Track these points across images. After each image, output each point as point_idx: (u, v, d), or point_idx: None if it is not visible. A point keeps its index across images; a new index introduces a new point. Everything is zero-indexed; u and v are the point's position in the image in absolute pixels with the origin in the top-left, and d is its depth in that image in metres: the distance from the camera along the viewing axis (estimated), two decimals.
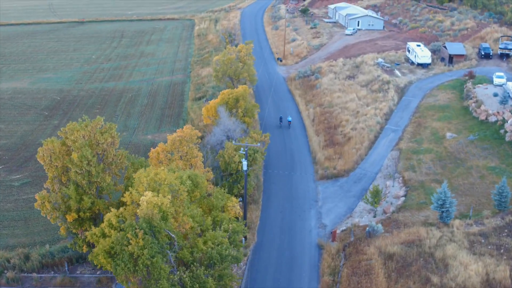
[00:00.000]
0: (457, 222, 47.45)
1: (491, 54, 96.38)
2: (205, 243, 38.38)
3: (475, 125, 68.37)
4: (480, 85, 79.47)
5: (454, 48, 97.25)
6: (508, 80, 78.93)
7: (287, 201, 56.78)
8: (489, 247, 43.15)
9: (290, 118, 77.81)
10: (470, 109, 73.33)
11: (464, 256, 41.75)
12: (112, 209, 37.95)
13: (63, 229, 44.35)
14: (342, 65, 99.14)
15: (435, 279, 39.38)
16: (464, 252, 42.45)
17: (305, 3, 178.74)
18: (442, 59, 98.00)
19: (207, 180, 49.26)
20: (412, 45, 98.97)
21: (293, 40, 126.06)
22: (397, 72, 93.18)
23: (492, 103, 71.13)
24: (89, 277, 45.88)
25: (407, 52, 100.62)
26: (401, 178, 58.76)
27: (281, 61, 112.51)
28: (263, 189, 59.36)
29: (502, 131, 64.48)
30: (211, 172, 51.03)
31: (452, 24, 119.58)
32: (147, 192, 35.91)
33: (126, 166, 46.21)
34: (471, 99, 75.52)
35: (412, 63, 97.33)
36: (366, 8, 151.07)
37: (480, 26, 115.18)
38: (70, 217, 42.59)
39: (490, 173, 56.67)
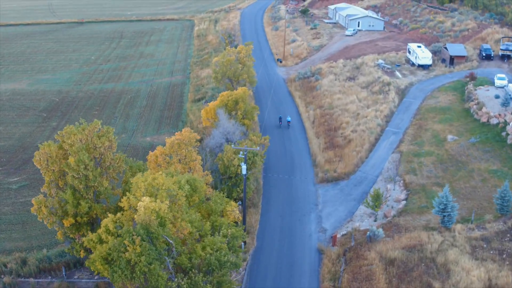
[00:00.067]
0: (458, 226, 46.91)
1: (492, 55, 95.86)
2: (203, 248, 37.86)
3: (476, 128, 67.82)
4: (481, 86, 78.94)
5: (455, 49, 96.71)
6: (509, 81, 78.38)
7: (287, 205, 56.25)
8: (491, 252, 42.63)
9: (289, 118, 78.17)
10: (471, 111, 72.80)
11: (466, 261, 41.22)
12: (109, 215, 37.43)
13: (60, 234, 43.88)
14: (342, 66, 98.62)
15: (436, 285, 38.85)
16: (466, 257, 41.92)
17: (305, 3, 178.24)
18: (443, 60, 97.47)
19: (206, 184, 48.74)
20: (412, 46, 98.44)
21: (293, 41, 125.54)
22: (397, 73, 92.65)
23: (493, 105, 70.59)
24: (86, 282, 45.32)
25: (407, 53, 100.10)
26: (402, 181, 58.23)
27: (281, 62, 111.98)
28: (262, 192, 58.82)
29: (503, 133, 63.92)
30: (210, 175, 50.53)
31: (453, 25, 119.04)
32: (144, 197, 35.38)
33: (124, 170, 45.73)
34: (472, 101, 74.98)
35: (413, 64, 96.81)
36: (366, 8, 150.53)
37: (481, 27, 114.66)
38: (67, 222, 42.11)
39: (492, 177, 56.14)
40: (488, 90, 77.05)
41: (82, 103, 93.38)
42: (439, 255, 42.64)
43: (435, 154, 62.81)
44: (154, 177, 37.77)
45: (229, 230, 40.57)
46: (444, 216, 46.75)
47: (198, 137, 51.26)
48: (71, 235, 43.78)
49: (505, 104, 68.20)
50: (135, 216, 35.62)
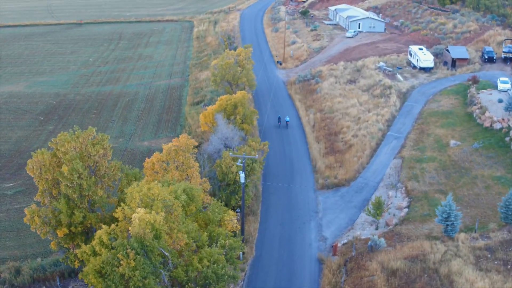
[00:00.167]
0: (462, 235, 45.79)
1: (494, 58, 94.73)
2: (200, 260, 36.80)
3: (479, 133, 66.68)
4: (484, 90, 77.79)
5: (457, 51, 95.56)
6: None
7: (287, 212, 55.13)
8: (496, 262, 41.54)
9: (288, 118, 78.38)
10: (474, 115, 71.66)
11: (470, 272, 40.12)
12: (103, 226, 36.34)
13: (54, 244, 42.85)
14: (342, 68, 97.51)
15: None
16: (470, 268, 40.82)
17: (305, 4, 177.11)
18: (445, 63, 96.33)
19: (204, 191, 47.69)
20: (414, 48, 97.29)
21: (293, 43, 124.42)
22: (399, 76, 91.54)
23: (496, 110, 69.46)
24: None
25: (409, 56, 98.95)
26: (404, 188, 57.13)
27: (280, 64, 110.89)
28: (261, 199, 57.69)
29: (507, 139, 62.79)
30: (208, 182, 49.49)
31: (455, 26, 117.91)
32: (139, 208, 34.29)
33: (119, 178, 44.68)
34: (475, 105, 73.84)
35: (414, 67, 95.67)
36: (367, 10, 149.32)
37: (483, 28, 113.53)
38: (60, 232, 41.12)
39: (496, 183, 55.02)
40: (491, 94, 75.91)
41: (80, 106, 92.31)
42: (442, 265, 41.55)
43: (437, 159, 61.70)
44: (149, 187, 36.70)
45: (227, 241, 39.55)
46: (447, 225, 45.67)
47: (196, 144, 50.22)
48: (65, 245, 42.77)
49: (508, 108, 67.03)
50: (130, 227, 34.56)
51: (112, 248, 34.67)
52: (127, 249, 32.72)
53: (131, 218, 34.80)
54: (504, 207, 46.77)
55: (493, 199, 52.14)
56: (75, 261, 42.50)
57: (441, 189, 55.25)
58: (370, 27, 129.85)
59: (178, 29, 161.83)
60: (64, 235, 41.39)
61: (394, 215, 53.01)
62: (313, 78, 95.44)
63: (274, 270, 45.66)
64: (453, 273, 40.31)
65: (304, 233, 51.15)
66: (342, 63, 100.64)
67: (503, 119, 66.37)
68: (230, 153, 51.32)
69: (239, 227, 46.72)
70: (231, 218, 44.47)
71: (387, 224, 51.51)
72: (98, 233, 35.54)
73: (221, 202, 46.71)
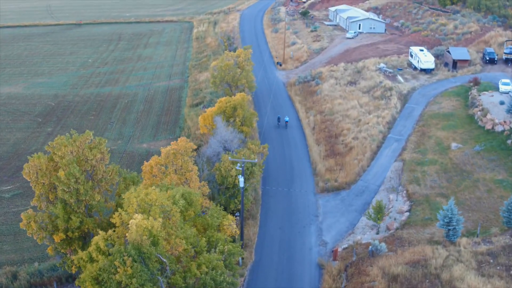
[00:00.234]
0: (464, 240, 45.22)
1: (495, 59, 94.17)
2: (199, 266, 36.24)
3: (481, 135, 66.11)
4: (485, 92, 77.23)
5: (458, 53, 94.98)
6: None
7: (287, 216, 54.55)
8: (498, 268, 40.96)
9: (287, 119, 78.59)
10: (476, 117, 71.09)
11: (472, 278, 39.52)
12: (100, 232, 35.78)
13: (51, 249, 42.30)
14: (343, 70, 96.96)
15: None
16: (472, 273, 40.23)
17: (305, 5, 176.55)
18: (446, 64, 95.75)
19: (203, 195, 47.14)
20: (415, 49, 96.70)
21: (293, 44, 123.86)
22: (399, 77, 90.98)
23: (498, 112, 68.89)
24: None
25: (409, 57, 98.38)
26: (405, 192, 56.55)
27: (280, 65, 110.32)
28: (261, 203, 57.12)
29: (509, 141, 62.23)
30: (207, 186, 48.91)
31: (455, 27, 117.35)
32: (136, 214, 33.72)
33: (117, 182, 44.14)
34: (476, 107, 73.25)
35: (415, 68, 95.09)
36: (367, 10, 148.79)
37: (484, 29, 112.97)
38: (57, 237, 40.58)
39: (498, 187, 54.45)
40: (492, 95, 75.35)
41: (78, 108, 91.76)
42: (444, 271, 40.97)
43: (438, 162, 61.12)
44: (147, 193, 36.15)
45: (225, 246, 39.00)
46: (449, 229, 45.08)
47: (195, 147, 49.63)
48: (62, 250, 42.22)
49: (510, 110, 66.42)
50: (127, 234, 34.00)
51: (109, 254, 34.11)
52: (124, 256, 32.15)
53: (129, 224, 34.26)
54: (506, 211, 46.19)
55: (495, 203, 51.58)
56: (72, 266, 41.91)
57: (442, 193, 54.68)
58: (371, 28, 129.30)
59: (178, 29, 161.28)
60: (61, 240, 40.86)
61: (395, 219, 52.43)
62: (313, 79, 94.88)
63: (273, 275, 45.10)
64: (455, 279, 39.72)
65: (304, 238, 50.58)
66: (342, 64, 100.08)
67: (504, 122, 65.79)
68: (229, 157, 50.70)
69: (238, 232, 46.15)
70: (230, 223, 43.90)
71: (388, 229, 50.94)
72: (95, 239, 34.99)
73: (220, 206, 46.20)
